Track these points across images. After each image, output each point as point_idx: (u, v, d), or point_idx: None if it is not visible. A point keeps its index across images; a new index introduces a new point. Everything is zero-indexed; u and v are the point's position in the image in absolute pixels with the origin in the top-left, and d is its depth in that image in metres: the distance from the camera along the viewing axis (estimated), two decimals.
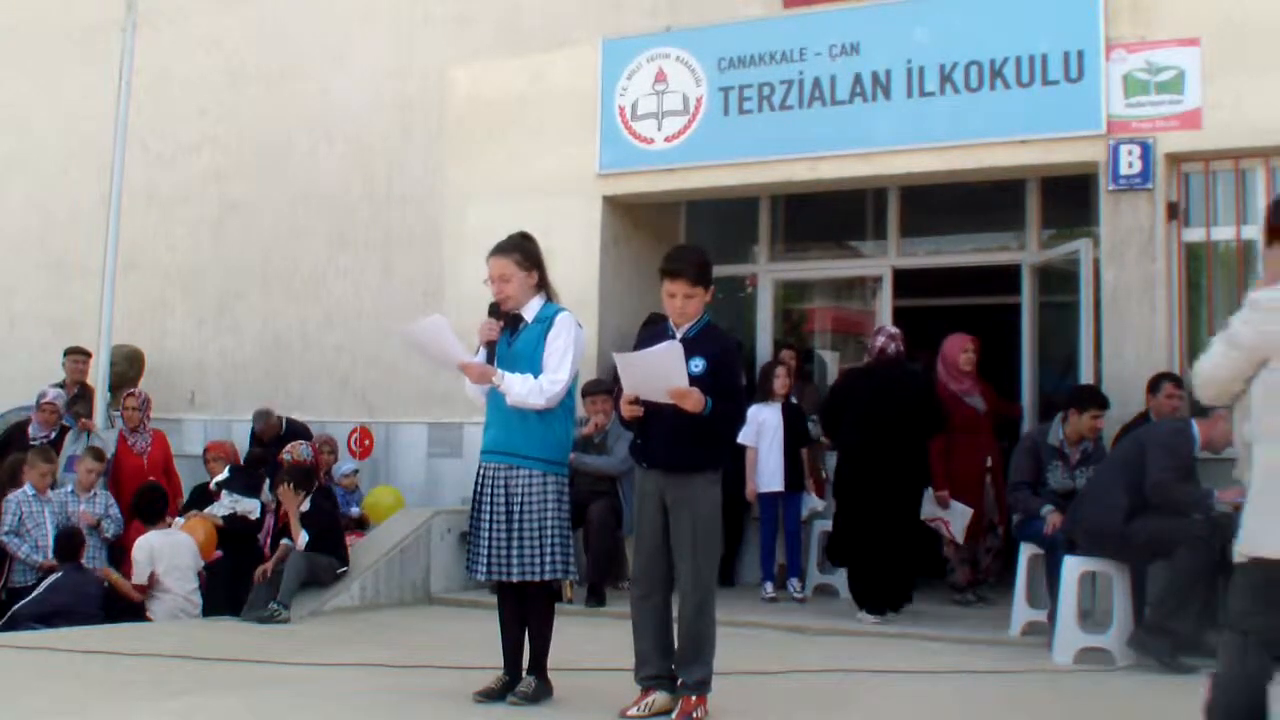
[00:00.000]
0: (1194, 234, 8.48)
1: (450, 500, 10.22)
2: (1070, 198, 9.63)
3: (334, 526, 8.82)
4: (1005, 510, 8.58)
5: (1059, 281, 9.54)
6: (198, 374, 12.01)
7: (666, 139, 9.91)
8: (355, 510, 10.13)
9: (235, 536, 9.33)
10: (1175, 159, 8.42)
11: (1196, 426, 6.93)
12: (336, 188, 11.48)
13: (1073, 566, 7.05)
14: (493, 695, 5.44)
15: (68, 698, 5.59)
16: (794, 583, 9.06)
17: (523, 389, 5.31)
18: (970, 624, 7.94)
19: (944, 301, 10.94)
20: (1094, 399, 7.85)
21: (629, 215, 10.49)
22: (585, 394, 8.91)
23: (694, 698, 5.15)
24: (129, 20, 10.50)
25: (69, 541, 8.45)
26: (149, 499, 9.04)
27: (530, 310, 5.50)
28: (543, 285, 5.55)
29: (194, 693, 5.74)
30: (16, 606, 8.17)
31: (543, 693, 5.44)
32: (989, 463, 8.85)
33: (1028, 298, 9.73)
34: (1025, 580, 7.74)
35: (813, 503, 9.33)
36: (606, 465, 8.92)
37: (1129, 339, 8.38)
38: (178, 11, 12.30)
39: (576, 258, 9.77)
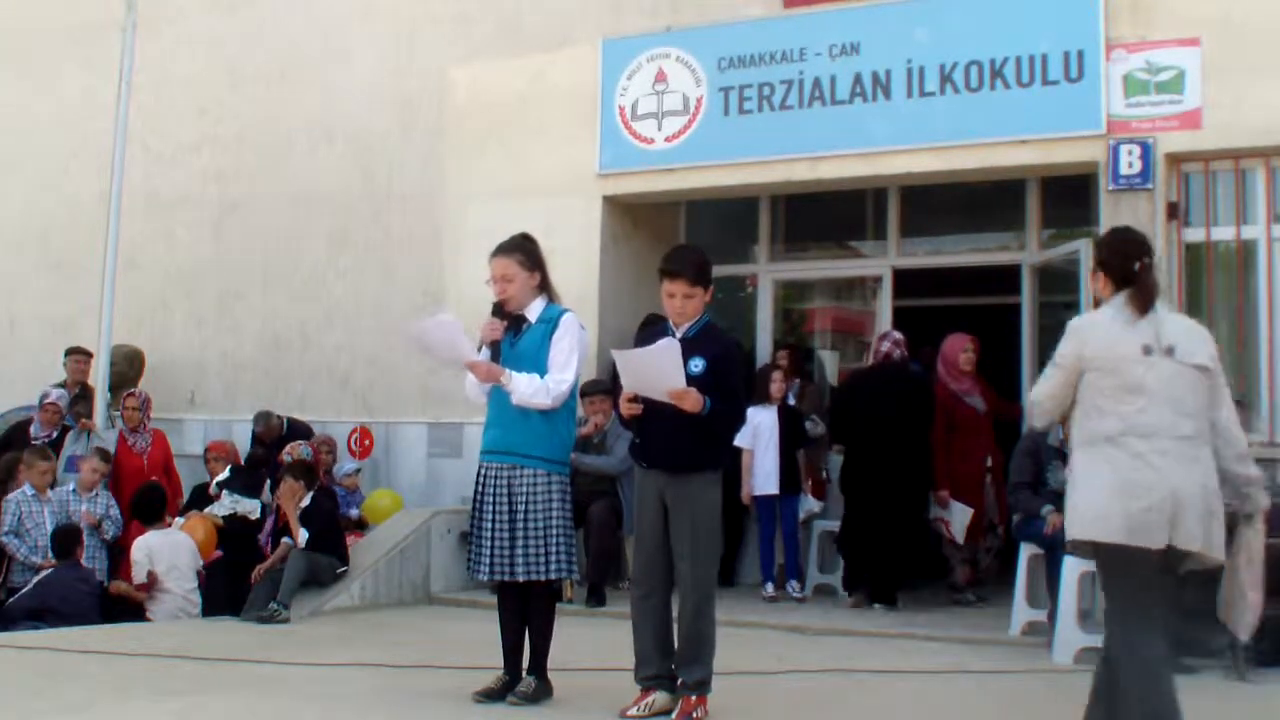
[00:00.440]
0: (1194, 234, 8.48)
1: (450, 500, 10.22)
2: (1070, 198, 9.63)
3: (334, 526, 8.82)
4: (1005, 510, 8.59)
5: (1059, 281, 9.54)
6: (198, 374, 12.00)
7: (666, 139, 9.91)
8: (355, 512, 10.12)
9: (235, 536, 9.33)
10: (1175, 159, 8.42)
11: None
12: (336, 188, 11.47)
13: (1073, 566, 7.04)
14: (493, 695, 5.44)
15: (68, 698, 5.59)
16: (793, 584, 9.07)
17: (529, 389, 5.32)
18: (970, 624, 7.95)
19: (944, 301, 10.94)
20: None
21: (629, 215, 10.49)
22: (584, 394, 8.90)
23: (694, 698, 5.16)
24: (129, 20, 10.48)
25: (65, 539, 8.46)
26: (148, 499, 9.04)
27: (533, 311, 5.50)
28: (544, 286, 5.55)
29: (194, 693, 5.74)
30: (9, 601, 8.20)
31: (543, 693, 5.45)
32: (989, 463, 8.87)
33: (1028, 298, 9.73)
34: (1025, 580, 7.74)
35: (810, 504, 9.33)
36: (606, 465, 8.92)
37: None
38: (178, 12, 12.30)
39: (576, 258, 9.77)
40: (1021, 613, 7.69)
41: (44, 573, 8.29)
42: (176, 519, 9.39)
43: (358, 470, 10.54)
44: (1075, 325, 4.54)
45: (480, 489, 5.47)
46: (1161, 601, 4.25)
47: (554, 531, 5.38)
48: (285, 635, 7.63)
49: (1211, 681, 6.39)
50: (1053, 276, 9.67)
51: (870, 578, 8.65)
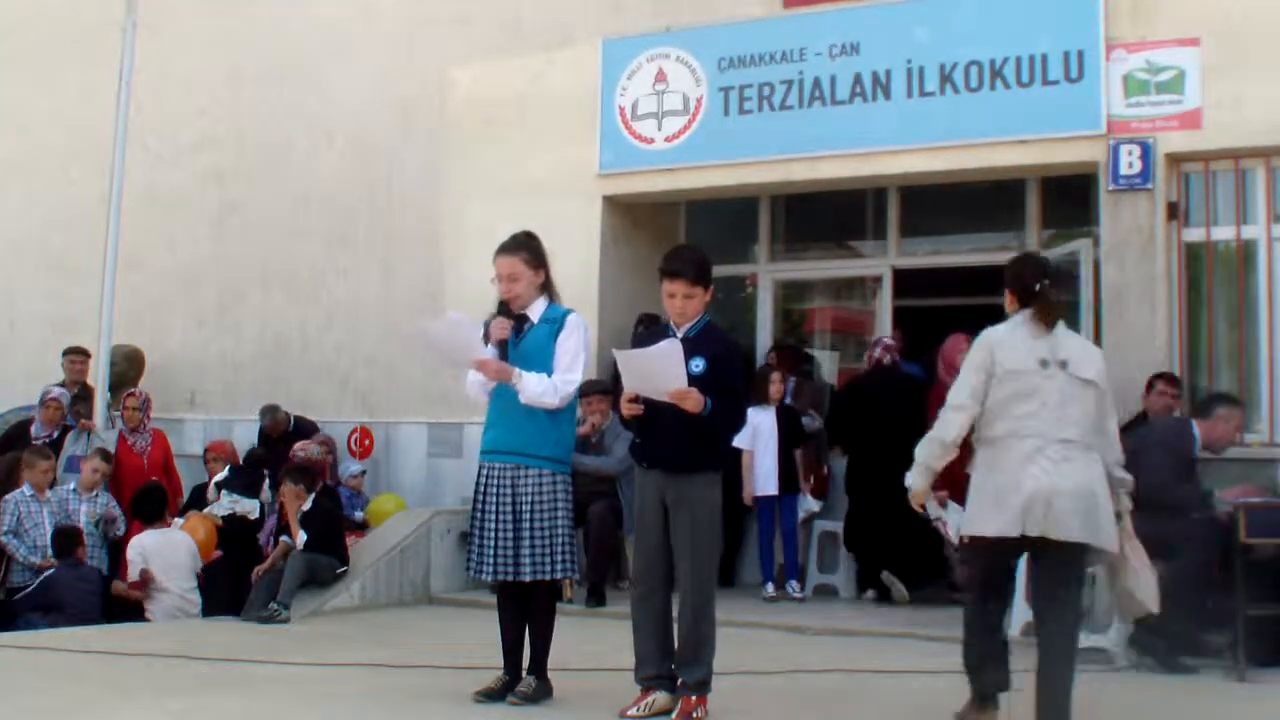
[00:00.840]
0: (1194, 234, 8.49)
1: (450, 500, 10.23)
2: (1070, 198, 9.63)
3: (334, 527, 8.82)
4: None
5: (1059, 281, 9.51)
6: (198, 374, 12.01)
7: (666, 139, 9.91)
8: (359, 515, 10.11)
9: (235, 536, 9.33)
10: (1175, 159, 8.42)
11: (1197, 426, 6.93)
12: (336, 188, 11.48)
13: None
14: (493, 695, 5.44)
15: (68, 698, 5.59)
16: (793, 584, 9.07)
17: (538, 388, 5.31)
18: None
19: (944, 301, 10.93)
20: None
21: (629, 215, 10.49)
22: (581, 394, 8.89)
23: (694, 698, 5.15)
24: (129, 20, 10.48)
25: (65, 539, 8.46)
26: (147, 499, 9.05)
27: (535, 310, 5.49)
28: (546, 285, 5.55)
29: (194, 693, 5.74)
30: (16, 598, 8.23)
31: (543, 693, 5.45)
32: None
33: None
34: (1025, 580, 7.72)
35: (808, 504, 9.32)
36: (604, 465, 8.90)
37: (1129, 339, 8.38)
38: (178, 11, 12.28)
39: (576, 258, 9.76)
40: (1021, 613, 7.67)
41: (49, 572, 8.29)
42: (176, 519, 9.39)
43: (362, 472, 10.54)
44: (984, 337, 5.03)
45: (482, 489, 5.46)
46: (1010, 581, 5.06)
47: (558, 531, 5.38)
48: (285, 635, 7.63)
49: (1211, 681, 6.40)
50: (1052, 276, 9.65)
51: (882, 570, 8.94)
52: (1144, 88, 8.41)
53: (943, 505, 8.61)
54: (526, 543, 5.35)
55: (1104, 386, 4.94)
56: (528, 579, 5.37)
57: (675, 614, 5.30)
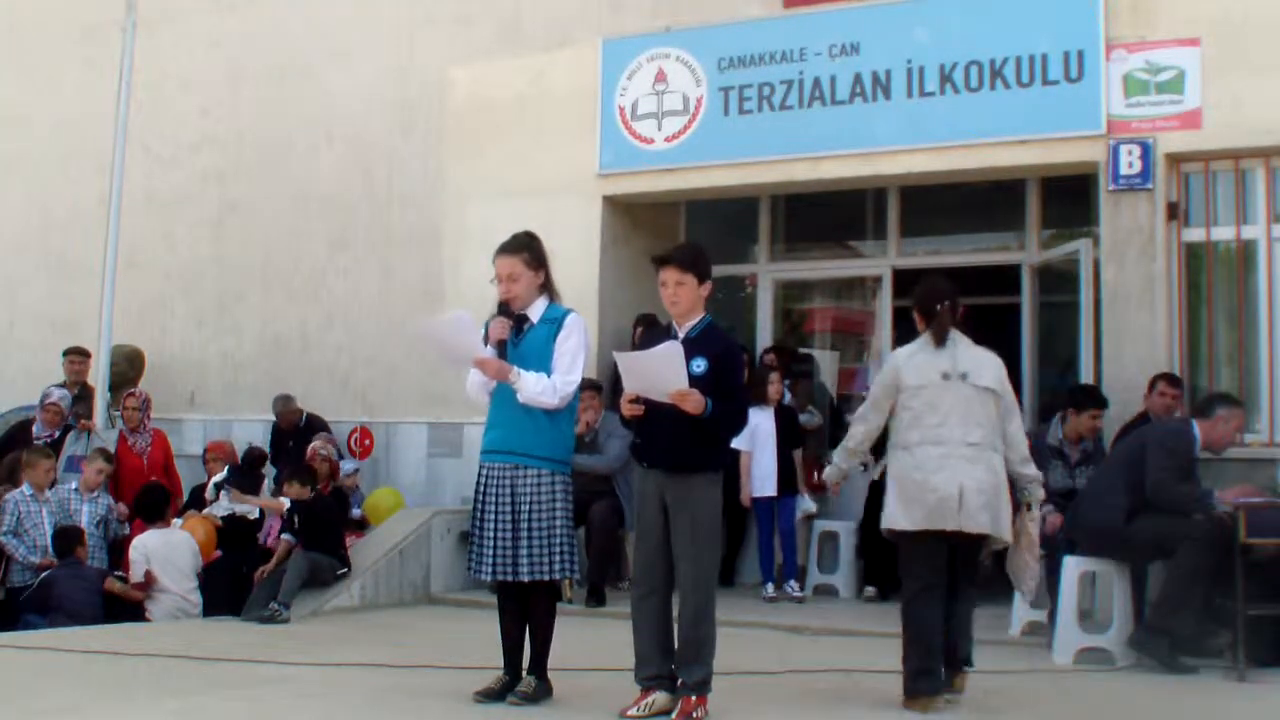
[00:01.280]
0: (1194, 234, 8.48)
1: (450, 500, 10.23)
2: (1070, 198, 9.63)
3: (335, 528, 8.82)
4: None
5: (1059, 281, 9.54)
6: (198, 374, 12.01)
7: (666, 139, 9.91)
8: (356, 512, 10.12)
9: (235, 536, 9.33)
10: (1175, 159, 8.42)
11: (1197, 427, 6.94)
12: (336, 188, 11.48)
13: (1073, 566, 7.05)
14: (493, 695, 5.44)
15: (68, 698, 5.59)
16: (792, 583, 9.05)
17: (537, 387, 5.32)
18: None
19: None
20: (1093, 398, 7.86)
21: (629, 215, 10.49)
22: None
23: (694, 698, 5.15)
24: (129, 20, 10.48)
25: (66, 539, 8.46)
26: (150, 498, 9.05)
27: (535, 310, 5.50)
28: (547, 285, 5.55)
29: (194, 693, 5.74)
30: (20, 599, 8.22)
31: (543, 693, 5.45)
32: None
33: (1028, 298, 9.73)
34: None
35: (806, 505, 9.32)
36: (599, 464, 8.88)
37: (1129, 339, 8.38)
38: (178, 11, 12.29)
39: (576, 258, 9.76)
40: (1021, 613, 7.69)
41: (48, 572, 8.29)
42: (175, 520, 9.39)
43: (356, 470, 10.55)
44: (891, 357, 5.81)
45: (482, 489, 5.46)
46: (940, 568, 5.51)
47: (557, 531, 5.38)
48: (285, 635, 7.63)
49: (1211, 681, 6.40)
50: (1053, 276, 9.67)
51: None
52: (1144, 88, 8.41)
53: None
54: (525, 543, 5.35)
55: (1003, 393, 5.55)
56: (526, 579, 5.37)
57: (675, 614, 5.30)
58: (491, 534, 5.39)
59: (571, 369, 5.37)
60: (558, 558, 5.38)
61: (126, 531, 9.17)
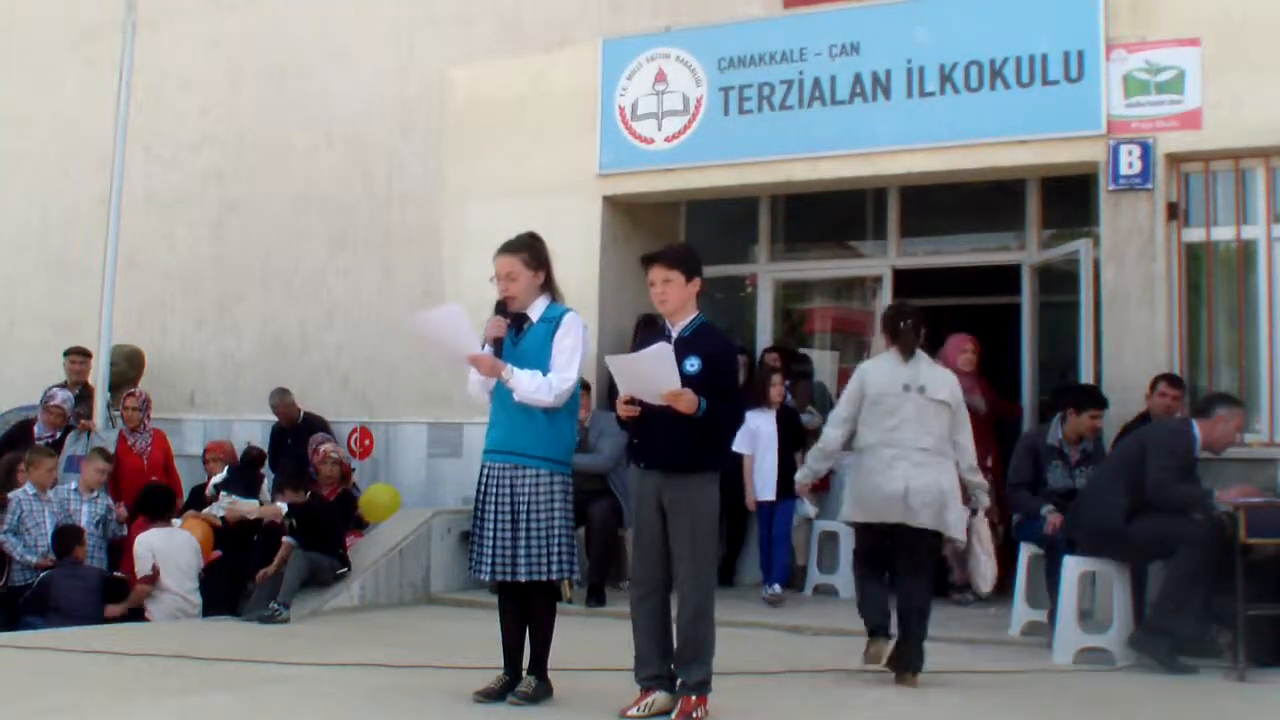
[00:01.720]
0: (1194, 234, 8.48)
1: (450, 500, 10.22)
2: (1070, 198, 9.63)
3: (335, 529, 8.82)
4: (1005, 510, 8.58)
5: (1059, 281, 9.54)
6: (198, 374, 12.01)
7: (666, 139, 9.91)
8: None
9: (234, 536, 9.33)
10: (1175, 159, 8.42)
11: (1197, 427, 6.94)
12: (336, 188, 11.47)
13: (1073, 566, 7.05)
14: (493, 695, 5.44)
15: (68, 698, 5.59)
16: (775, 586, 8.85)
17: (531, 385, 5.32)
18: (970, 624, 7.94)
19: (944, 301, 10.93)
20: (1093, 398, 7.86)
21: (629, 215, 10.49)
22: None
23: (694, 698, 5.16)
24: (129, 20, 10.49)
25: (65, 538, 8.46)
26: (155, 497, 9.05)
27: (535, 310, 5.50)
28: (548, 286, 5.55)
29: (194, 693, 5.75)
30: (19, 601, 8.22)
31: (543, 693, 5.45)
32: (989, 463, 8.84)
33: (1028, 298, 9.72)
34: (1025, 580, 7.74)
35: (805, 509, 9.28)
36: (592, 463, 8.84)
37: (1129, 339, 8.38)
38: (178, 11, 12.29)
39: (576, 258, 9.74)
40: (1021, 613, 7.69)
41: (48, 572, 8.29)
42: (174, 520, 9.38)
43: (352, 469, 10.53)
44: (859, 369, 6.49)
45: (482, 489, 5.47)
46: (886, 555, 6.25)
47: (556, 532, 5.38)
48: (285, 635, 7.63)
49: (1211, 681, 6.40)
50: (1053, 276, 9.67)
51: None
52: (1144, 88, 8.41)
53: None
54: (524, 543, 5.35)
55: (956, 407, 6.25)
56: (524, 579, 5.37)
57: (675, 614, 5.30)
58: (491, 534, 5.40)
59: (568, 367, 5.37)
60: (556, 558, 5.38)
61: (125, 532, 9.17)
